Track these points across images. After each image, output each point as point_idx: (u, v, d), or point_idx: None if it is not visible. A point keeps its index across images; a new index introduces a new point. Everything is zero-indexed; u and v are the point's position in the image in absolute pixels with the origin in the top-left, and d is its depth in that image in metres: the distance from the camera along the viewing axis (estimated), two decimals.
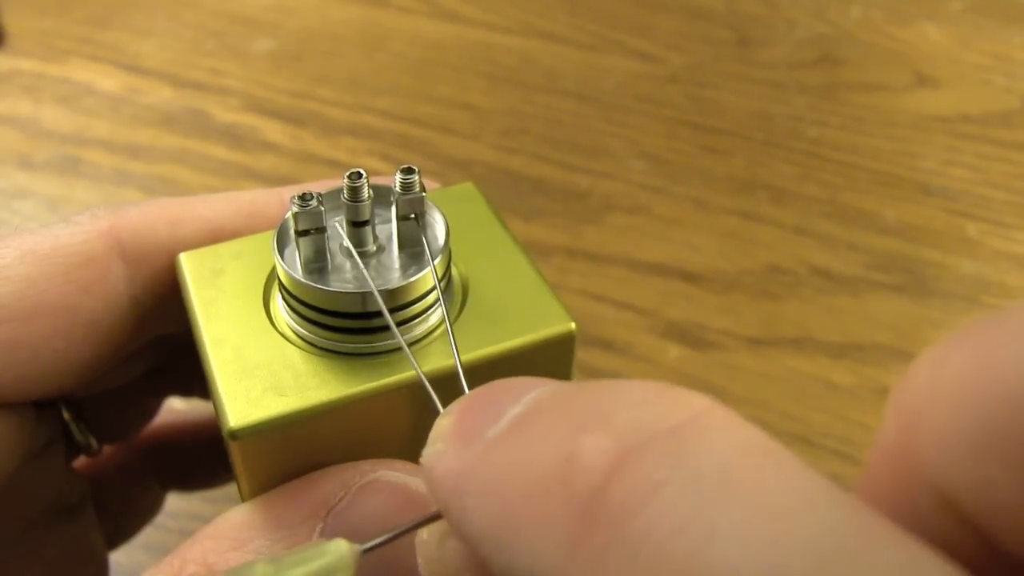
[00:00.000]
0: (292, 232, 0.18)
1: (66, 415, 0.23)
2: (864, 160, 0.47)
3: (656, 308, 0.39)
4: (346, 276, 0.18)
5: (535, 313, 0.18)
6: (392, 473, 0.17)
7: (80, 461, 0.25)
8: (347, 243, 0.18)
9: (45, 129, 0.49)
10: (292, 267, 0.18)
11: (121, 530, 0.26)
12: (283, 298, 0.18)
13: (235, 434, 0.16)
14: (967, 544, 0.10)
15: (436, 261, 0.18)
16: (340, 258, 0.18)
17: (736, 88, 0.52)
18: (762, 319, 0.39)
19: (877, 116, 0.50)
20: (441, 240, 0.18)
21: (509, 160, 0.47)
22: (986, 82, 0.53)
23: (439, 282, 0.18)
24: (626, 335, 0.38)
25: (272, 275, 0.19)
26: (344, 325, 0.17)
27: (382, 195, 0.19)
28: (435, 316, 0.18)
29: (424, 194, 0.18)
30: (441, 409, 0.15)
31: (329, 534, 0.16)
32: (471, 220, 0.20)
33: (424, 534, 0.13)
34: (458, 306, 0.18)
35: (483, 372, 0.17)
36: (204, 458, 0.27)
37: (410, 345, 0.17)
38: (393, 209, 0.18)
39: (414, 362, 0.17)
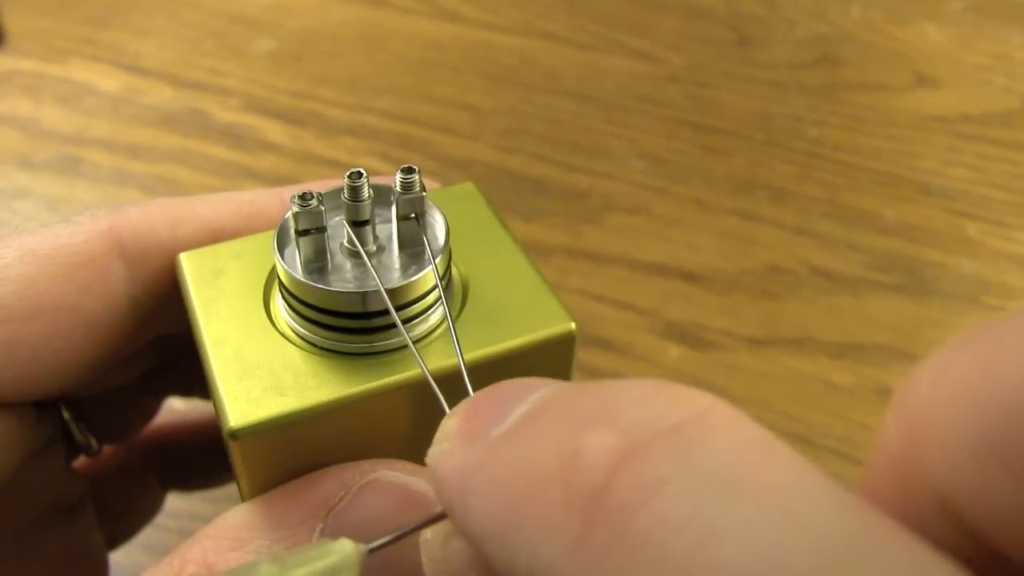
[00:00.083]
0: (292, 232, 0.18)
1: (66, 415, 0.23)
2: (864, 160, 0.47)
3: (656, 308, 0.39)
4: (346, 276, 0.18)
5: (535, 313, 0.18)
6: (392, 473, 0.17)
7: (80, 461, 0.25)
8: (352, 242, 0.18)
9: (45, 129, 0.49)
10: (292, 267, 0.18)
11: (121, 530, 0.26)
12: (283, 298, 0.18)
13: (235, 434, 0.16)
14: (967, 550, 0.10)
15: (437, 260, 0.18)
16: (340, 258, 0.18)
17: (736, 88, 0.52)
18: (762, 319, 0.39)
19: (877, 116, 0.50)
20: (441, 240, 0.18)
21: (509, 160, 0.47)
22: (986, 82, 0.53)
23: (440, 281, 0.18)
24: (626, 335, 0.38)
25: (272, 275, 0.19)
26: (344, 325, 0.17)
27: (382, 195, 0.19)
28: (435, 316, 0.18)
29: (424, 194, 0.18)
30: (446, 407, 0.15)
31: (329, 534, 0.16)
32: (471, 220, 0.20)
33: (428, 534, 0.13)
34: (458, 306, 0.18)
35: (483, 372, 0.17)
36: (204, 458, 0.27)
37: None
38: (393, 209, 0.18)
39: (420, 360, 0.17)
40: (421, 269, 0.18)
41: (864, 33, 0.57)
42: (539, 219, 0.43)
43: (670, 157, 0.47)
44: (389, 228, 0.19)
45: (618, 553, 0.09)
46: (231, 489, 0.28)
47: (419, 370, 0.17)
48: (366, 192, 0.18)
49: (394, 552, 0.13)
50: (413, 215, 0.18)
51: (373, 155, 0.47)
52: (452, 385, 0.16)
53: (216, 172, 0.46)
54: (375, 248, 0.18)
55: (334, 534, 0.16)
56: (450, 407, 0.15)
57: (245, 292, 0.19)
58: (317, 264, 0.18)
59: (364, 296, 0.17)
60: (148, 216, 0.20)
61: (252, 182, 0.46)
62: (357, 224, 0.18)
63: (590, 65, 0.54)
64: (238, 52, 0.54)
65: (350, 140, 0.48)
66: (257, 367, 0.17)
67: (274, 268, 0.19)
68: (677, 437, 0.10)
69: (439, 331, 0.18)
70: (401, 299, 0.17)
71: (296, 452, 0.17)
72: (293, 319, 0.18)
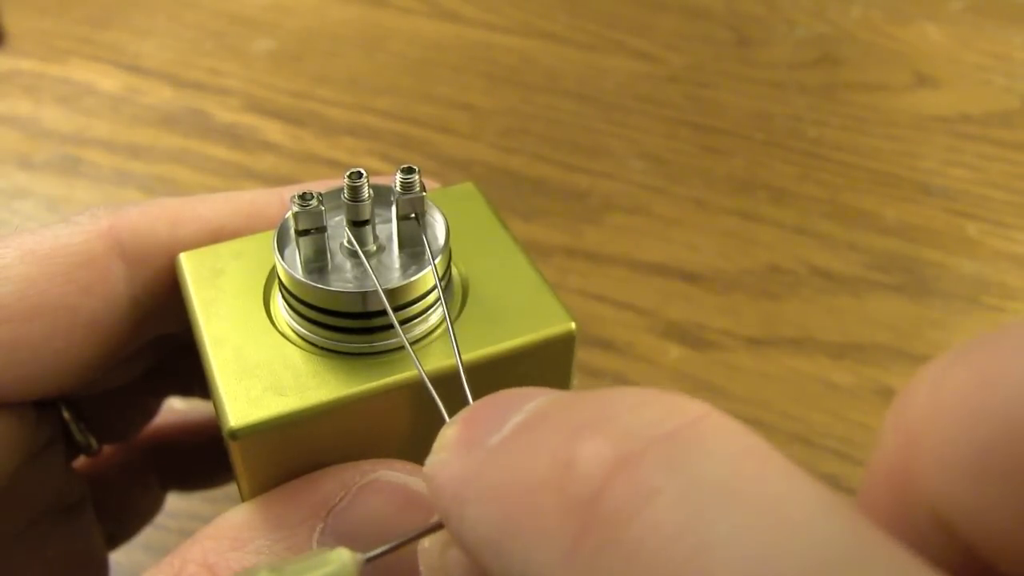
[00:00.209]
0: (292, 232, 0.18)
1: (66, 415, 0.23)
2: (864, 160, 0.47)
3: (656, 308, 0.39)
4: (346, 276, 0.18)
5: (535, 313, 0.18)
6: (392, 473, 0.17)
7: (80, 461, 0.25)
8: (351, 242, 0.18)
9: (45, 129, 0.49)
10: (292, 267, 0.18)
11: (121, 530, 0.26)
12: (283, 298, 0.18)
13: (235, 434, 0.16)
14: (961, 563, 0.10)
15: (436, 261, 0.18)
16: (340, 258, 0.18)
17: (736, 88, 0.52)
18: (762, 319, 0.39)
19: (877, 116, 0.50)
20: (441, 240, 0.18)
21: (509, 160, 0.47)
22: (986, 82, 0.53)
23: (439, 282, 0.18)
24: (626, 335, 0.38)
25: (272, 275, 0.19)
26: (344, 325, 0.17)
27: (382, 195, 0.19)
28: (435, 316, 0.18)
29: (424, 194, 0.18)
30: (444, 410, 0.15)
31: (329, 534, 0.16)
32: (471, 220, 0.20)
33: (426, 543, 0.13)
34: (458, 306, 0.18)
35: (483, 372, 0.17)
36: (204, 458, 0.27)
37: (410, 345, 0.17)
38: (393, 209, 0.18)
39: (417, 362, 0.17)
40: (421, 269, 0.18)
41: (864, 33, 0.57)
42: (539, 219, 0.43)
43: (670, 157, 0.47)
44: (389, 228, 0.19)
45: (611, 562, 0.09)
46: (231, 489, 0.28)
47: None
48: (366, 192, 0.18)
49: (392, 559, 0.13)
50: (413, 215, 0.18)
51: (373, 155, 0.47)
52: (452, 385, 0.16)
53: (216, 172, 0.46)
54: (375, 248, 0.18)
55: (334, 534, 0.16)
56: (450, 409, 0.15)
57: (245, 292, 0.19)
58: (317, 264, 0.18)
59: (364, 296, 0.17)
60: (148, 216, 0.20)
61: (252, 182, 0.46)
62: (357, 224, 0.18)
63: (590, 65, 0.54)
64: (238, 52, 0.54)
65: (350, 140, 0.48)
66: (257, 367, 0.17)
67: (274, 268, 0.19)
68: (670, 445, 0.10)
69: (439, 331, 0.18)
70: (401, 299, 0.17)
71: (296, 452, 0.17)
72: (293, 319, 0.18)
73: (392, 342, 0.17)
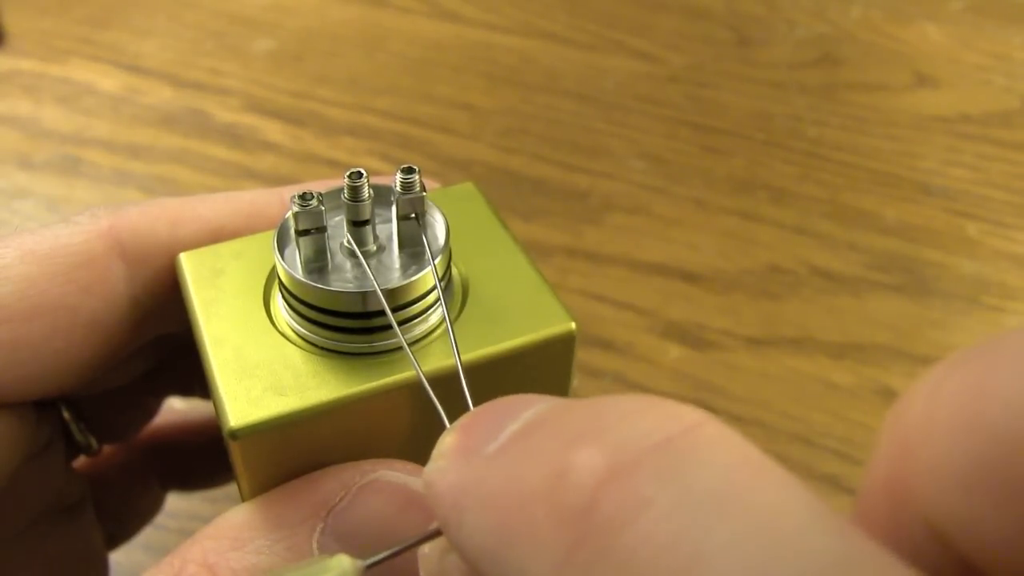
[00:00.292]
0: (292, 232, 0.18)
1: (66, 415, 0.23)
2: (864, 160, 0.47)
3: (656, 308, 0.39)
4: (346, 276, 0.18)
5: (535, 313, 0.18)
6: (392, 473, 0.17)
7: (80, 461, 0.25)
8: (351, 242, 0.18)
9: (45, 129, 0.49)
10: (292, 267, 0.18)
11: (121, 530, 0.26)
12: (283, 298, 0.18)
13: (235, 434, 0.16)
14: (954, 575, 0.10)
15: (436, 261, 0.18)
16: (340, 258, 0.18)
17: (736, 88, 0.52)
18: (762, 319, 0.39)
19: (877, 116, 0.50)
20: (441, 240, 0.18)
21: (509, 160, 0.47)
22: (986, 82, 0.53)
23: (439, 282, 0.18)
24: (626, 335, 0.38)
25: (272, 275, 0.19)
26: (344, 325, 0.17)
27: (382, 195, 0.19)
28: (435, 316, 0.18)
29: (424, 194, 0.18)
30: (443, 413, 0.15)
31: (329, 534, 0.16)
32: (471, 220, 0.20)
33: (426, 548, 0.14)
34: (458, 306, 0.18)
35: (483, 372, 0.17)
36: (204, 458, 0.27)
37: (410, 345, 0.17)
38: (393, 209, 0.18)
39: (415, 363, 0.17)
40: (421, 269, 0.18)
41: (864, 33, 0.57)
42: (539, 219, 0.43)
43: (670, 157, 0.47)
44: (389, 228, 0.19)
45: (604, 572, 0.09)
46: (231, 489, 0.28)
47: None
48: (366, 192, 0.18)
49: (392, 567, 0.13)
50: (413, 215, 0.18)
51: (373, 155, 0.47)
52: (453, 385, 0.16)
53: (216, 172, 0.46)
54: (375, 248, 0.18)
55: (334, 534, 0.16)
56: (449, 410, 0.15)
57: (245, 292, 0.19)
58: (317, 264, 0.18)
59: (364, 296, 0.17)
60: (148, 216, 0.20)
61: (252, 182, 0.46)
62: (357, 224, 0.18)
63: (590, 65, 0.54)
64: (238, 52, 0.54)
65: (350, 140, 0.48)
66: (257, 367, 0.17)
67: (274, 268, 0.19)
68: (664, 455, 0.10)
69: (439, 331, 0.18)
70: (400, 299, 0.17)
71: (296, 452, 0.17)
72: (293, 319, 0.18)
73: (392, 342, 0.17)
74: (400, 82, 0.52)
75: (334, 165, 0.47)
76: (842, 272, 0.41)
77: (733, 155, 0.47)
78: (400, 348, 0.17)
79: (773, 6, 0.59)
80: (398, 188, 0.18)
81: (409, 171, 0.18)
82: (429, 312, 0.18)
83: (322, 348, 0.17)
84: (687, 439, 0.10)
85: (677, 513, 0.09)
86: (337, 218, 0.19)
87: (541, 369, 0.18)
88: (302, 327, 0.18)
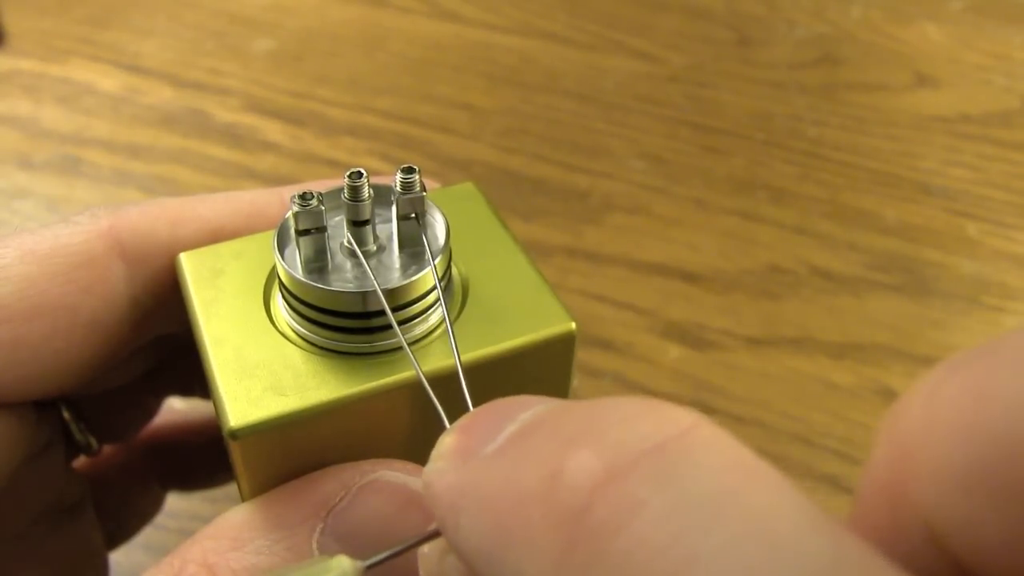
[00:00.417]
0: (292, 232, 0.18)
1: (66, 415, 0.23)
2: (864, 160, 0.47)
3: (656, 308, 0.39)
4: (346, 275, 0.18)
5: (535, 313, 0.18)
6: (392, 473, 0.17)
7: (80, 461, 0.25)
8: (351, 242, 0.18)
9: (45, 129, 0.49)
10: (292, 267, 0.18)
11: (121, 530, 0.26)
12: (283, 298, 0.18)
13: (235, 434, 0.16)
14: None
15: (436, 261, 0.18)
16: (340, 257, 0.18)
17: (736, 88, 0.52)
18: (762, 319, 0.39)
19: (877, 116, 0.50)
20: (441, 240, 0.18)
21: (509, 160, 0.47)
22: (986, 82, 0.53)
23: (439, 282, 0.18)
24: (626, 335, 0.38)
25: (272, 275, 0.19)
26: (344, 325, 0.17)
27: (382, 195, 0.19)
28: (435, 316, 0.18)
29: (424, 194, 0.18)
30: (443, 413, 0.15)
31: (329, 534, 0.16)
32: (471, 220, 0.20)
33: (426, 548, 0.14)
34: (458, 306, 0.18)
35: (483, 372, 0.17)
36: (204, 458, 0.27)
37: (410, 345, 0.17)
38: (393, 209, 0.18)
39: (415, 363, 0.17)
40: (421, 269, 0.18)
41: (864, 33, 0.57)
42: (539, 219, 0.43)
43: (670, 157, 0.47)
44: (389, 228, 0.19)
45: (599, 574, 0.09)
46: (231, 489, 0.28)
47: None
48: (366, 192, 0.18)
49: (392, 567, 0.13)
50: (413, 215, 0.18)
51: (373, 155, 0.47)
52: (453, 384, 0.16)
53: (216, 172, 0.46)
54: (375, 248, 0.18)
55: (334, 534, 0.16)
56: (449, 410, 0.15)
57: (245, 292, 0.19)
58: (317, 264, 0.18)
59: (364, 296, 0.17)
60: (148, 216, 0.20)
61: (252, 182, 0.46)
62: (357, 224, 0.18)
63: (590, 65, 0.54)
64: (238, 52, 0.54)
65: (350, 140, 0.48)
66: (257, 367, 0.17)
67: (274, 268, 0.19)
68: (658, 458, 0.10)
69: (439, 331, 0.18)
70: (400, 299, 0.17)
71: (296, 452, 0.17)
72: (293, 319, 0.18)
73: (392, 342, 0.17)
74: (400, 82, 0.52)
75: (334, 165, 0.47)
76: (842, 272, 0.41)
77: (733, 155, 0.47)
78: (400, 348, 0.17)
79: (773, 6, 0.59)
80: (398, 188, 0.18)
81: (409, 171, 0.18)
82: (429, 312, 0.18)
83: (322, 348, 0.17)
84: (682, 443, 0.10)
85: (671, 516, 0.09)
86: (337, 218, 0.19)
87: (541, 369, 0.18)
88: (302, 327, 0.18)
